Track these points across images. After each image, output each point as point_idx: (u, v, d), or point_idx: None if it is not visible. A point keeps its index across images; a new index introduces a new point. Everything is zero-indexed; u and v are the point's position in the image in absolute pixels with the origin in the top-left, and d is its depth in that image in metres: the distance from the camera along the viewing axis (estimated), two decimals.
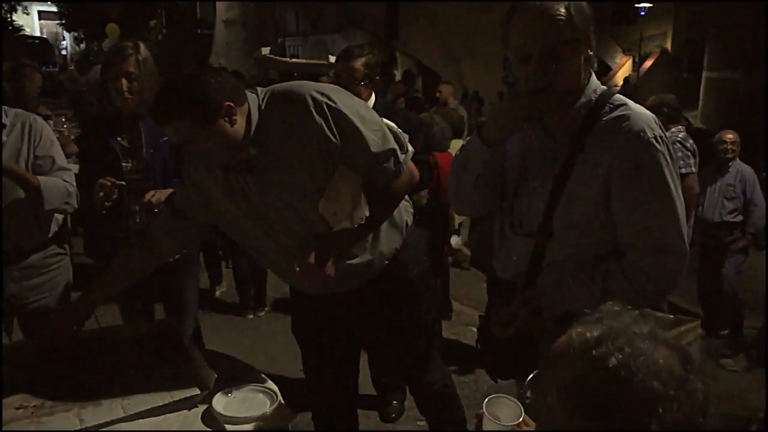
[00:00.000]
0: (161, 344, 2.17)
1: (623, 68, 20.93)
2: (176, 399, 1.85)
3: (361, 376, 3.46)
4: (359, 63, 3.05)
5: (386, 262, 2.17)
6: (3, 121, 2.49)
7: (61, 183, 2.56)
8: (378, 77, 3.16)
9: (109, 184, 2.49)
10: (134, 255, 2.20)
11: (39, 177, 2.49)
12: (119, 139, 2.70)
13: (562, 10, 1.59)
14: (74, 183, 2.62)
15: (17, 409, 1.82)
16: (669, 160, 1.64)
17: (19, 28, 21.35)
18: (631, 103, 1.70)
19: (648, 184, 1.63)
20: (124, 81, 2.57)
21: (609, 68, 19.18)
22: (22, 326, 2.70)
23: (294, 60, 7.29)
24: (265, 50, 8.53)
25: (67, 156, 2.86)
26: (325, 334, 2.33)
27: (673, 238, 1.66)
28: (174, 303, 2.86)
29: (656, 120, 1.66)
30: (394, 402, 3.40)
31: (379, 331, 2.37)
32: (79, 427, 1.73)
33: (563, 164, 1.69)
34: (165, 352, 2.13)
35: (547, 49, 1.60)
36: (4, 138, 2.47)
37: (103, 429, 1.74)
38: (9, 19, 21.34)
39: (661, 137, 1.63)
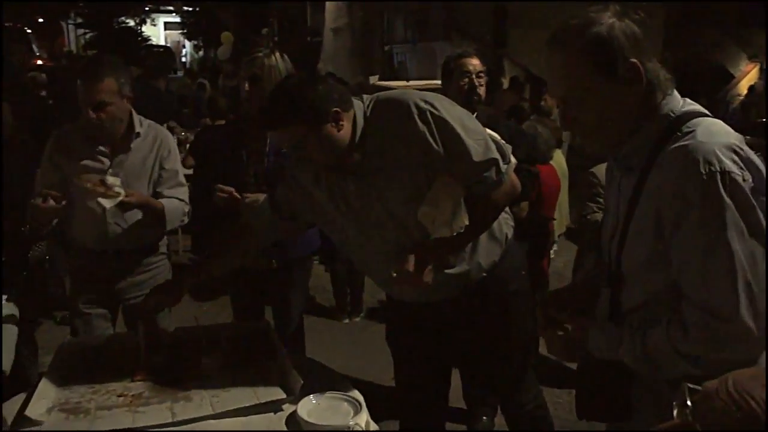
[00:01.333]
0: (255, 346, 2.23)
1: (748, 76, 19.49)
2: (262, 401, 1.88)
3: (452, 388, 3.44)
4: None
5: (484, 274, 2.13)
6: (137, 131, 2.67)
7: (179, 205, 2.73)
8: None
9: (226, 195, 2.57)
10: (233, 246, 2.28)
11: (162, 202, 2.65)
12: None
13: (565, 59, 1.46)
14: (188, 200, 2.78)
15: (118, 396, 1.92)
16: (737, 201, 1.32)
17: (147, 39, 22.87)
18: (703, 127, 1.41)
19: (699, 228, 1.35)
20: (247, 84, 2.65)
21: (732, 76, 17.97)
22: (126, 319, 2.86)
23: (403, 84, 7.29)
24: (374, 78, 8.61)
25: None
26: (419, 343, 2.31)
27: (723, 300, 1.33)
28: (280, 306, 2.91)
29: (733, 150, 1.35)
30: (484, 417, 3.32)
31: (473, 345, 2.32)
32: (170, 420, 1.80)
33: (630, 198, 1.51)
34: (257, 354, 2.17)
35: (559, 95, 1.52)
36: (133, 146, 2.65)
37: (191, 425, 1.79)
38: (139, 30, 22.93)
39: (728, 173, 1.32)
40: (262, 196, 2.57)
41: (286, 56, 2.73)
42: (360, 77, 9.22)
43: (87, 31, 21.13)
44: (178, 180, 2.76)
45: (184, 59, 27.08)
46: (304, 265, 2.95)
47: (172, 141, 2.81)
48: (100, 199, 2.44)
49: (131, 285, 2.76)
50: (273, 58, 2.64)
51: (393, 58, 18.20)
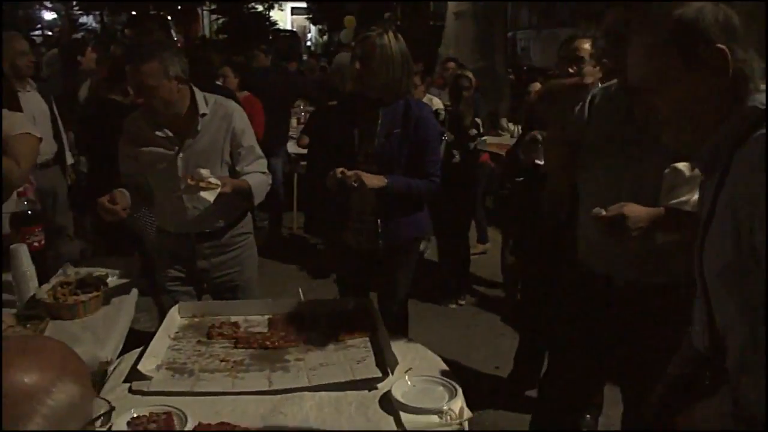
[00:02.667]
0: (355, 323, 2.23)
1: None
2: (358, 378, 1.88)
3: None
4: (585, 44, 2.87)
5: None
6: (202, 111, 2.59)
7: (263, 179, 2.68)
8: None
9: (340, 175, 2.53)
10: None
11: (248, 180, 2.60)
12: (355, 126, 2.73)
13: (646, 41, 1.32)
14: (267, 170, 2.75)
15: (221, 361, 2.00)
16: None
17: (275, 23, 23.69)
18: None
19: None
20: (357, 64, 2.62)
21: None
22: (213, 297, 2.85)
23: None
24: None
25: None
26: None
27: None
28: (385, 288, 2.89)
29: None
30: (588, 416, 3.17)
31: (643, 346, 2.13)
32: (266, 388, 1.84)
33: (711, 201, 1.32)
34: (357, 331, 2.18)
35: (637, 82, 1.37)
36: (200, 127, 2.58)
37: (286, 395, 1.82)
38: (267, 15, 23.78)
39: None
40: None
41: (401, 37, 2.67)
42: (481, 62, 9.06)
43: (219, 16, 22.20)
44: (256, 154, 2.70)
45: (309, 44, 27.81)
46: (412, 247, 2.92)
47: (244, 116, 2.70)
48: (203, 194, 2.40)
49: (216, 265, 2.74)
50: (385, 37, 2.60)
51: (516, 44, 17.74)
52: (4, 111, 2.84)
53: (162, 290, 2.76)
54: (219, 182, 2.41)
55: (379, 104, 2.66)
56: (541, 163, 2.91)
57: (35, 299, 2.32)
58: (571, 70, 2.87)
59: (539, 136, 2.91)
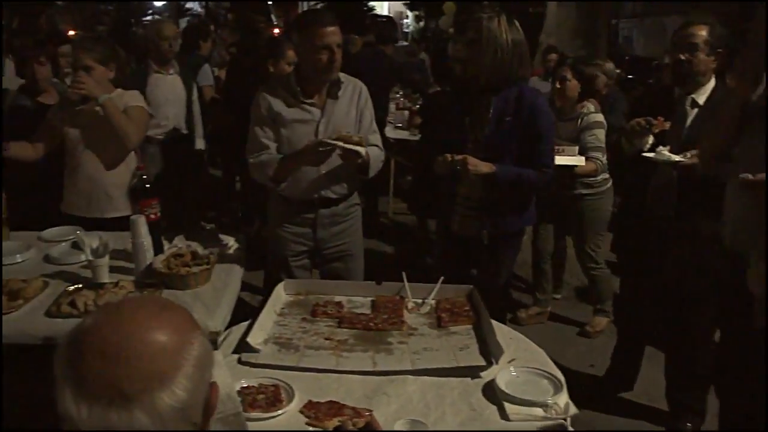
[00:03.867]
0: (458, 310, 2.22)
1: None
2: (462, 365, 1.87)
3: (655, 387, 3.18)
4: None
5: None
6: (342, 80, 2.75)
7: (378, 153, 2.78)
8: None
9: (449, 159, 2.54)
10: None
11: (367, 151, 2.64)
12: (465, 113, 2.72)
13: None
14: (381, 145, 2.84)
15: (325, 339, 2.03)
16: None
17: (372, 9, 23.83)
18: None
19: None
20: (460, 47, 2.61)
21: None
22: (321, 274, 2.96)
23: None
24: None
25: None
26: None
27: None
28: (485, 277, 2.86)
29: None
30: (689, 424, 3.02)
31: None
32: (370, 369, 1.86)
33: None
34: (459, 318, 2.17)
35: None
36: (340, 93, 2.73)
37: (390, 377, 1.83)
38: (364, 1, 23.96)
39: None
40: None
41: (517, 24, 2.61)
42: (582, 51, 8.76)
43: (317, 1, 22.57)
44: (373, 127, 2.83)
45: (406, 30, 27.81)
46: (516, 238, 2.88)
47: (366, 90, 2.84)
48: (356, 147, 2.48)
49: (330, 235, 2.84)
50: (495, 21, 2.54)
51: (618, 33, 17.07)
52: (123, 89, 3.15)
53: (280, 264, 2.85)
54: (362, 140, 2.53)
55: (490, 91, 2.62)
56: (646, 150, 2.78)
57: (151, 268, 2.43)
58: (682, 57, 2.72)
59: (643, 122, 2.77)
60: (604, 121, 3.81)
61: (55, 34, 5.93)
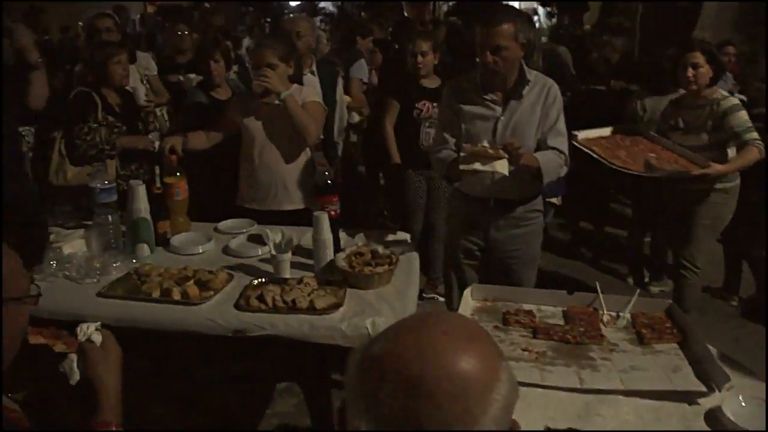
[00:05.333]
0: (660, 326, 2.05)
1: None
2: (678, 389, 1.72)
3: None
4: None
5: None
6: (528, 78, 2.67)
7: (554, 157, 2.64)
8: None
9: None
10: None
11: (538, 156, 2.58)
12: None
13: None
14: (566, 149, 2.69)
15: (523, 350, 1.93)
16: None
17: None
18: None
19: None
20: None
21: None
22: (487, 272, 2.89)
23: None
24: None
25: None
26: None
27: None
28: None
29: None
30: None
31: None
32: (578, 386, 1.74)
33: None
34: (663, 335, 2.00)
35: None
36: (524, 92, 2.66)
37: (600, 395, 1.71)
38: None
39: None
40: None
41: None
42: (745, 46, 8.12)
43: (447, 1, 22.51)
44: (558, 129, 2.71)
45: (537, 25, 27.24)
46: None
47: (557, 90, 2.74)
48: (497, 164, 2.42)
49: (507, 238, 2.77)
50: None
51: None
52: (299, 85, 3.24)
53: (452, 263, 2.82)
54: (499, 152, 2.44)
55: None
56: None
57: (332, 265, 2.45)
58: None
59: None
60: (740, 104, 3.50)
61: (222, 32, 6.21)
